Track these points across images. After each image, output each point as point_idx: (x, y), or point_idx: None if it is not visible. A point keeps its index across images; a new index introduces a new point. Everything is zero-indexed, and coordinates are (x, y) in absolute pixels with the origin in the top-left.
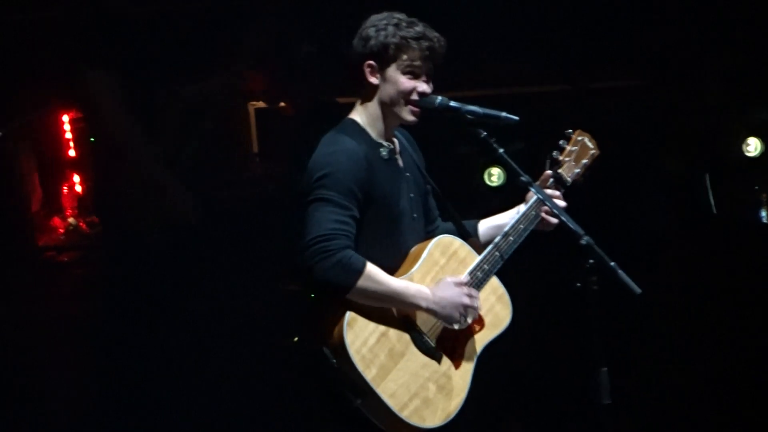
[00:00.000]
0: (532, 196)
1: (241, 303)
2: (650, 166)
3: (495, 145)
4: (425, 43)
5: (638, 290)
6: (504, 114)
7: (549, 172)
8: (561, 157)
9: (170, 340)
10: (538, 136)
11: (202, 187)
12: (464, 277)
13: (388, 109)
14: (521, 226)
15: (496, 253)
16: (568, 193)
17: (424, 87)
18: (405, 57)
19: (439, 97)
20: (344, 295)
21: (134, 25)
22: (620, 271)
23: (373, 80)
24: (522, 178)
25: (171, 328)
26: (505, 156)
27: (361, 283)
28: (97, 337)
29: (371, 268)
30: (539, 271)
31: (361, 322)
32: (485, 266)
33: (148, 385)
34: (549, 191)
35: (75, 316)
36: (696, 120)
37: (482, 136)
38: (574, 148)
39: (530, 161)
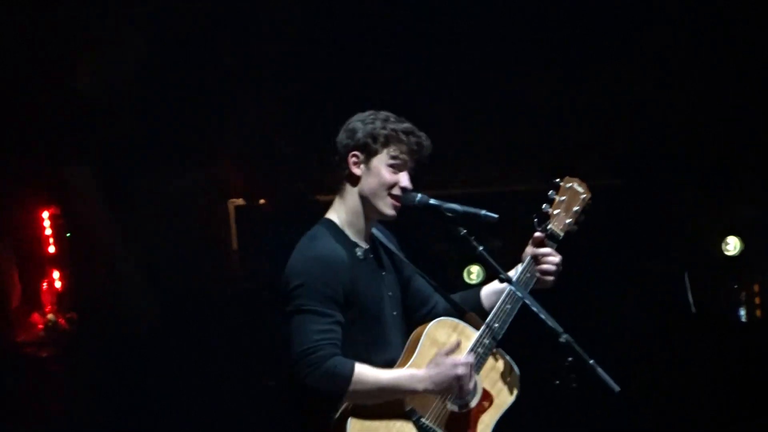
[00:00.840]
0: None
1: (222, 399)
2: (630, 264)
3: (475, 243)
4: (413, 138)
5: (617, 388)
6: (483, 212)
7: (538, 233)
8: (551, 211)
9: None
10: (517, 234)
11: (181, 282)
12: (461, 353)
13: (368, 201)
14: (507, 307)
15: (494, 326)
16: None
17: (406, 182)
18: (392, 149)
19: (419, 194)
20: (341, 401)
21: (113, 120)
22: (599, 369)
23: (357, 171)
24: (501, 276)
25: (153, 424)
26: (485, 253)
27: (353, 387)
28: None
29: (360, 369)
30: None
31: (366, 426)
32: (485, 340)
33: None
34: (542, 249)
35: (56, 412)
36: (675, 218)
37: (462, 233)
38: (563, 198)
39: (509, 258)
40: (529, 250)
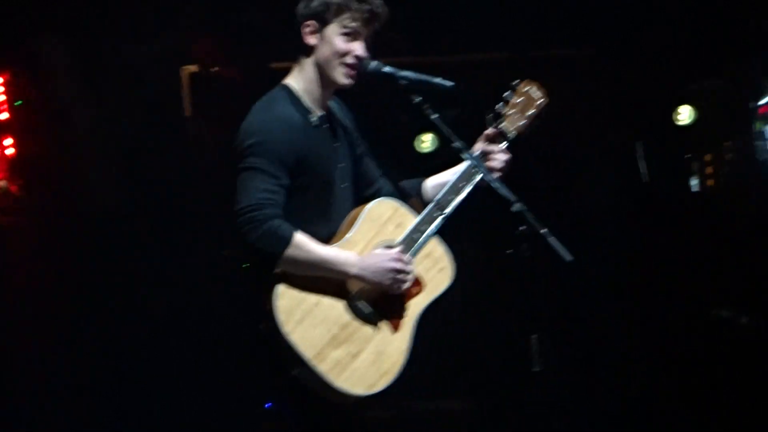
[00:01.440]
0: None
1: (182, 270)
2: (587, 135)
3: (428, 111)
4: (366, 6)
5: (569, 257)
6: (438, 79)
7: (490, 129)
8: (505, 111)
9: (112, 308)
10: (475, 104)
11: (138, 152)
12: (396, 241)
13: (323, 71)
14: (460, 184)
15: (435, 214)
16: (513, 146)
17: (360, 50)
18: (345, 17)
19: (374, 62)
20: (275, 262)
21: None
22: (551, 238)
23: (311, 41)
24: (455, 144)
25: (111, 295)
26: (439, 121)
27: (290, 251)
28: (35, 304)
29: (300, 237)
30: (473, 237)
31: (294, 293)
32: (423, 227)
33: (89, 348)
34: (492, 146)
35: (11, 280)
36: (630, 89)
37: (415, 101)
38: (519, 100)
39: (468, 129)
40: (479, 145)
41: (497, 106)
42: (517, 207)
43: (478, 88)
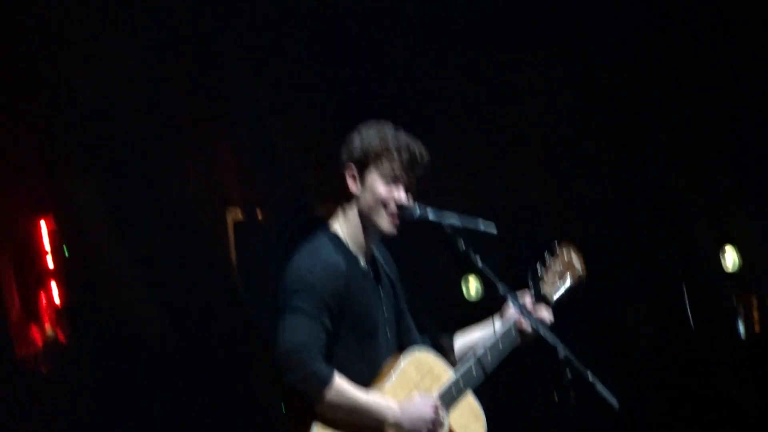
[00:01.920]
0: (511, 312)
1: (223, 407)
2: (633, 276)
3: (474, 257)
4: (406, 154)
5: (616, 404)
6: (482, 224)
7: (531, 291)
8: (546, 273)
9: None
10: (518, 247)
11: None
12: (434, 394)
13: (367, 218)
14: (500, 346)
15: (474, 372)
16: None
17: (402, 197)
18: (385, 164)
19: (418, 209)
20: (314, 406)
21: (112, 129)
22: (599, 385)
23: (353, 187)
24: (500, 288)
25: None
26: (485, 267)
27: (330, 395)
28: None
29: (340, 381)
30: (519, 382)
31: None
32: (461, 383)
33: None
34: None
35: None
36: (674, 229)
37: (462, 247)
38: (559, 264)
39: (508, 272)
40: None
41: (536, 266)
42: (563, 353)
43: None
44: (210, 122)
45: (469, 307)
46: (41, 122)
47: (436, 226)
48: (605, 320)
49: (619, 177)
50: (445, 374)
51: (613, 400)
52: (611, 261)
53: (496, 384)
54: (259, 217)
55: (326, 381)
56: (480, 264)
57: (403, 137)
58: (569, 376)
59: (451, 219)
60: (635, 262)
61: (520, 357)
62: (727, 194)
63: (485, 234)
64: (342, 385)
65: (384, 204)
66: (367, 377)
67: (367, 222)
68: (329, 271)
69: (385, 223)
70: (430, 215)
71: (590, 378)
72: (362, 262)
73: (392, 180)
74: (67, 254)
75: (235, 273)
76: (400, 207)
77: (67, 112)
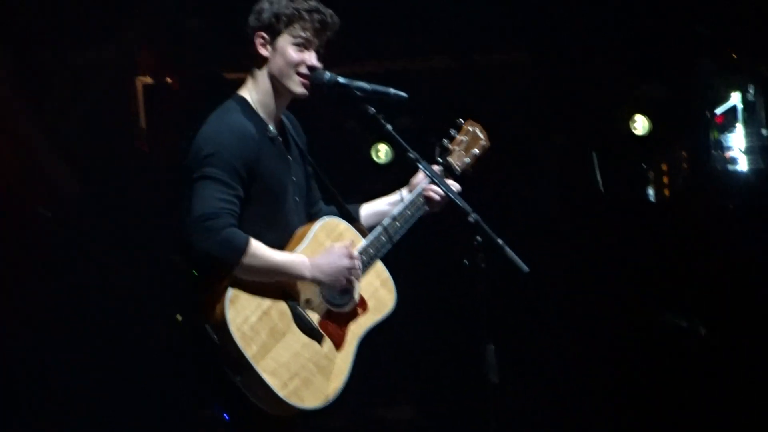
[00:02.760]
0: (419, 181)
1: (130, 274)
2: (539, 143)
3: (383, 122)
4: (317, 16)
5: (526, 269)
6: (393, 90)
7: (438, 160)
8: (451, 146)
9: (57, 309)
10: (424, 113)
11: (88, 160)
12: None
13: (278, 82)
14: (408, 212)
15: (383, 238)
16: (458, 181)
17: (313, 60)
18: (297, 28)
19: (328, 73)
20: (229, 271)
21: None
22: (508, 249)
23: (264, 52)
24: (410, 154)
25: (58, 297)
26: (394, 132)
27: (246, 260)
28: None
29: (255, 245)
30: (429, 247)
31: (244, 299)
32: (371, 250)
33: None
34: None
35: None
36: (584, 96)
37: (371, 112)
38: (464, 138)
39: (416, 139)
40: (421, 176)
41: (443, 141)
42: (473, 218)
43: (423, 96)
44: None
45: (379, 173)
46: None
47: (345, 91)
48: (514, 190)
49: (531, 47)
50: (356, 241)
51: (522, 265)
52: (520, 133)
53: (405, 254)
54: (169, 82)
55: (242, 245)
56: (389, 129)
57: (312, 1)
58: (479, 240)
59: (361, 83)
60: (543, 131)
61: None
62: (637, 62)
63: (395, 99)
64: (258, 247)
65: (295, 66)
66: (278, 243)
67: (277, 86)
68: (238, 135)
69: (295, 85)
70: (340, 79)
71: (500, 242)
72: (272, 128)
73: (303, 43)
74: None
75: (145, 138)
76: (311, 68)
77: None
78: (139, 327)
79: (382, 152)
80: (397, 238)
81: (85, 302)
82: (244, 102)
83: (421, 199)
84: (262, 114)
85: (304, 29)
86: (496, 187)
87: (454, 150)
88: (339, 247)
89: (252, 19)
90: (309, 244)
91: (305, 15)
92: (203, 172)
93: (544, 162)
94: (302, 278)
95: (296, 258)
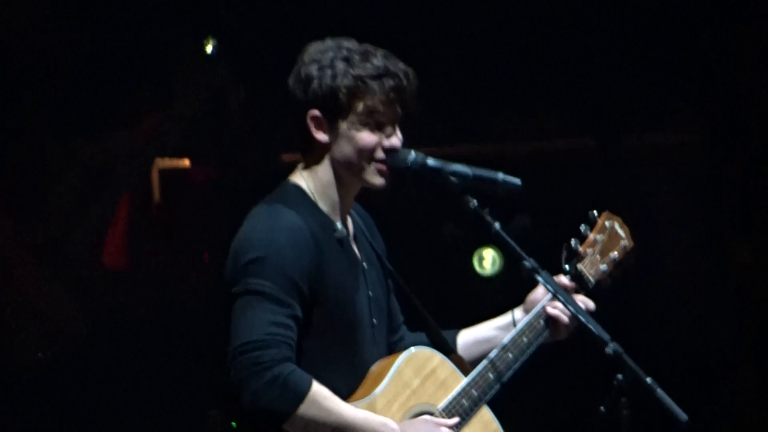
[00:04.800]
0: (538, 298)
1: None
2: (708, 254)
3: (490, 219)
4: (389, 82)
5: (684, 417)
6: (502, 176)
7: (566, 268)
8: (582, 249)
9: None
10: (549, 208)
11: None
12: (440, 408)
13: (344, 171)
14: (524, 340)
15: (490, 376)
16: (591, 295)
17: (393, 139)
18: (362, 104)
19: (413, 152)
20: (280, 425)
21: (25, 71)
22: (659, 390)
23: (321, 137)
24: (526, 263)
25: None
26: (504, 233)
27: (305, 409)
28: None
29: (318, 390)
30: (552, 390)
31: None
32: (474, 392)
33: None
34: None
35: None
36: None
37: (473, 206)
38: (599, 237)
39: (535, 242)
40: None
41: (571, 242)
42: (612, 348)
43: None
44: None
45: (483, 287)
46: None
47: (438, 177)
48: (669, 314)
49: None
50: (453, 380)
51: (679, 412)
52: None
53: (522, 392)
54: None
55: (301, 389)
56: (498, 229)
57: (379, 58)
58: (619, 378)
59: (459, 167)
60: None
61: (552, 356)
62: None
63: (506, 189)
64: (321, 395)
65: (368, 153)
66: (350, 383)
67: (344, 176)
68: (295, 237)
69: (371, 176)
70: (429, 161)
71: (649, 381)
72: (339, 226)
73: (374, 121)
74: None
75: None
76: (390, 151)
77: None
78: None
79: (487, 260)
80: (509, 375)
81: None
82: (299, 191)
83: (542, 322)
84: (324, 207)
85: (372, 104)
86: (645, 314)
87: (586, 254)
88: (430, 419)
89: (297, 90)
90: (390, 383)
91: (373, 85)
92: (248, 285)
93: (716, 280)
94: None
95: (376, 419)
